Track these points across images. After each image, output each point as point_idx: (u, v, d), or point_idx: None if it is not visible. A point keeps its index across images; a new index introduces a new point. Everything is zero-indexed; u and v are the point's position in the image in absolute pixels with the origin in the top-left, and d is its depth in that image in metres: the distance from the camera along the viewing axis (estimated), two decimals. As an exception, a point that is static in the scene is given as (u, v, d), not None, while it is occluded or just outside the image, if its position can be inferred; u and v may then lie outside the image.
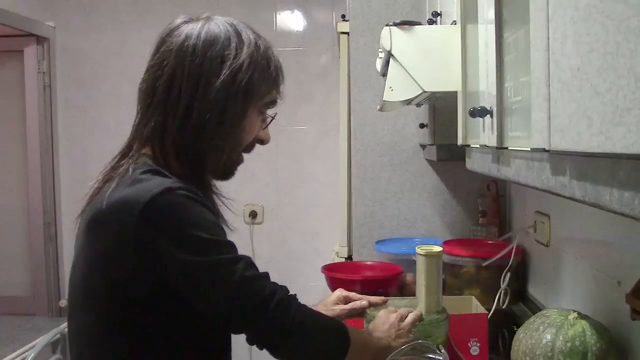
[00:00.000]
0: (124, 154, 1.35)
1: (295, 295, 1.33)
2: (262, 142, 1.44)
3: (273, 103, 1.43)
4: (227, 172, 1.41)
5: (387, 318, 1.59)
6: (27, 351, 2.89)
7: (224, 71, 1.29)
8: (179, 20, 1.36)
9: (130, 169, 1.27)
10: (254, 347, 1.29)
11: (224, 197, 1.46)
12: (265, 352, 1.30)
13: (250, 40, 1.35)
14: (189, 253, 1.21)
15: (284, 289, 1.31)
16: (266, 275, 1.30)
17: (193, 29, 1.32)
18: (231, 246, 1.27)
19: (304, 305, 1.34)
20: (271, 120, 1.45)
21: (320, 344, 1.35)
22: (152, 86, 1.32)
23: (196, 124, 1.29)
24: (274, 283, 1.29)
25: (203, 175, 1.38)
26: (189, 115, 1.29)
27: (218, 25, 1.34)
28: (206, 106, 1.28)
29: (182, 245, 1.20)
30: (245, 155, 1.45)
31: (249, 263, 1.27)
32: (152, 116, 1.32)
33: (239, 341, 1.32)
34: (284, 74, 1.42)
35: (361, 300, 1.75)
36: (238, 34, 1.34)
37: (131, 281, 1.23)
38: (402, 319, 1.59)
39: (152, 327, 1.26)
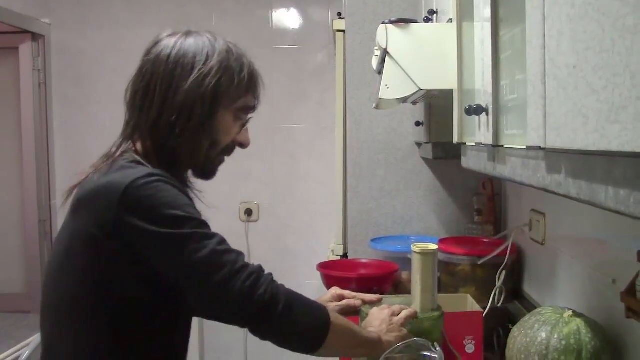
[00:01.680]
0: (114, 150, 1.44)
1: (271, 273, 1.34)
2: (242, 145, 1.52)
3: (250, 109, 1.50)
4: (207, 172, 1.50)
5: (379, 314, 1.60)
6: (22, 349, 2.89)
7: (193, 76, 1.40)
8: (163, 35, 1.48)
9: (118, 160, 1.38)
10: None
11: (200, 191, 1.54)
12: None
13: (222, 48, 1.44)
14: (163, 227, 1.27)
15: (259, 266, 1.33)
16: (239, 252, 1.32)
17: (171, 41, 1.44)
18: (205, 224, 1.33)
19: (281, 284, 1.35)
20: (245, 124, 1.51)
21: (297, 321, 1.34)
22: (134, 91, 1.45)
23: (166, 124, 1.39)
24: (249, 263, 1.32)
25: (180, 171, 1.47)
26: (159, 117, 1.40)
27: (194, 37, 1.45)
28: (174, 108, 1.39)
29: (156, 221, 1.27)
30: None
31: (221, 240, 1.31)
32: (131, 118, 1.45)
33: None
34: (260, 81, 1.51)
35: (355, 299, 1.75)
36: (211, 43, 1.44)
37: (107, 263, 1.31)
38: (395, 314, 1.60)
39: (124, 312, 1.33)
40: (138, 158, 1.39)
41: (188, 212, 1.30)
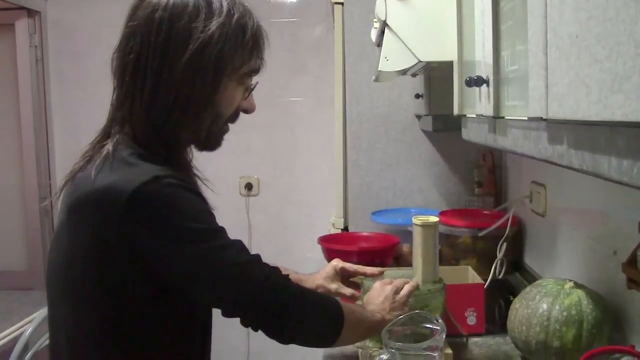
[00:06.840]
0: (106, 133, 1.32)
1: (288, 275, 1.33)
2: (247, 111, 1.38)
3: (255, 71, 1.36)
4: (212, 144, 1.36)
5: (382, 290, 1.60)
6: (24, 325, 2.91)
7: (190, 46, 1.22)
8: None
9: (112, 149, 1.23)
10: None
11: (206, 179, 1.42)
12: (262, 335, 1.30)
13: (221, 8, 1.26)
14: (179, 243, 1.19)
15: (277, 270, 1.31)
16: (258, 258, 1.29)
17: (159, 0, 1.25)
18: (222, 232, 1.25)
19: (298, 285, 1.35)
20: (252, 90, 1.38)
21: (315, 323, 1.36)
22: (121, 66, 1.29)
23: (164, 104, 1.24)
24: (266, 265, 1.30)
25: (181, 153, 1.35)
26: (156, 96, 1.24)
27: None
28: (172, 85, 1.23)
29: (171, 236, 1.18)
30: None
31: (240, 248, 1.26)
32: (125, 98, 1.28)
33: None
34: (265, 39, 1.35)
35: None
36: (208, 2, 1.26)
37: (114, 271, 1.20)
38: (398, 291, 1.60)
39: (134, 314, 1.23)
40: (136, 146, 1.25)
41: (203, 221, 1.22)
